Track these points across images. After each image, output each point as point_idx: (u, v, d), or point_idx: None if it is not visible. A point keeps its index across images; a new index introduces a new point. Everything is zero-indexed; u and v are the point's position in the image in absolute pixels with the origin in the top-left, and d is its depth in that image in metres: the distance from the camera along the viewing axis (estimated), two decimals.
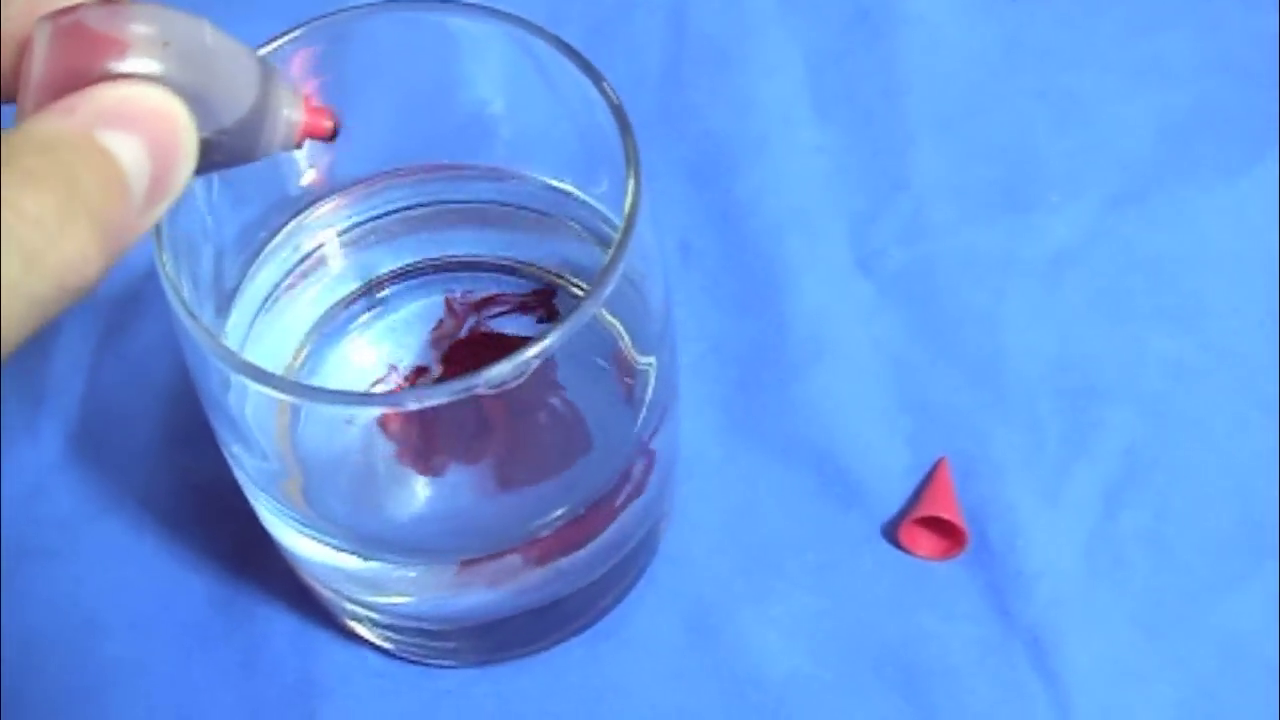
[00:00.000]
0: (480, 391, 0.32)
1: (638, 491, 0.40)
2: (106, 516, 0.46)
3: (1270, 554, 0.44)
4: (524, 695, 0.42)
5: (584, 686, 0.42)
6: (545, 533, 0.38)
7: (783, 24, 0.52)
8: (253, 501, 0.39)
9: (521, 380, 0.32)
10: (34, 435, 0.47)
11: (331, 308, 0.42)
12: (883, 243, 0.49)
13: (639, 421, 0.38)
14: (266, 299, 0.41)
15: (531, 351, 0.32)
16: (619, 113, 0.35)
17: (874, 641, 0.43)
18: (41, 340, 0.49)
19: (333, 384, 0.41)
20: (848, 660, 0.43)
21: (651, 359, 0.38)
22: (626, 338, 0.39)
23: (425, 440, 0.38)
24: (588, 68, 0.36)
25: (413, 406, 0.32)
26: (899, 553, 0.44)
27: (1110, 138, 0.50)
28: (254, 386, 0.32)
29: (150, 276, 0.48)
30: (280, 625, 0.44)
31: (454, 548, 0.39)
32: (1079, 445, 0.45)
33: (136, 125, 0.25)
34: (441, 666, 0.43)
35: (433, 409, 0.32)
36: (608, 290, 0.33)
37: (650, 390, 0.39)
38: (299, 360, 0.41)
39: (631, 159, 0.35)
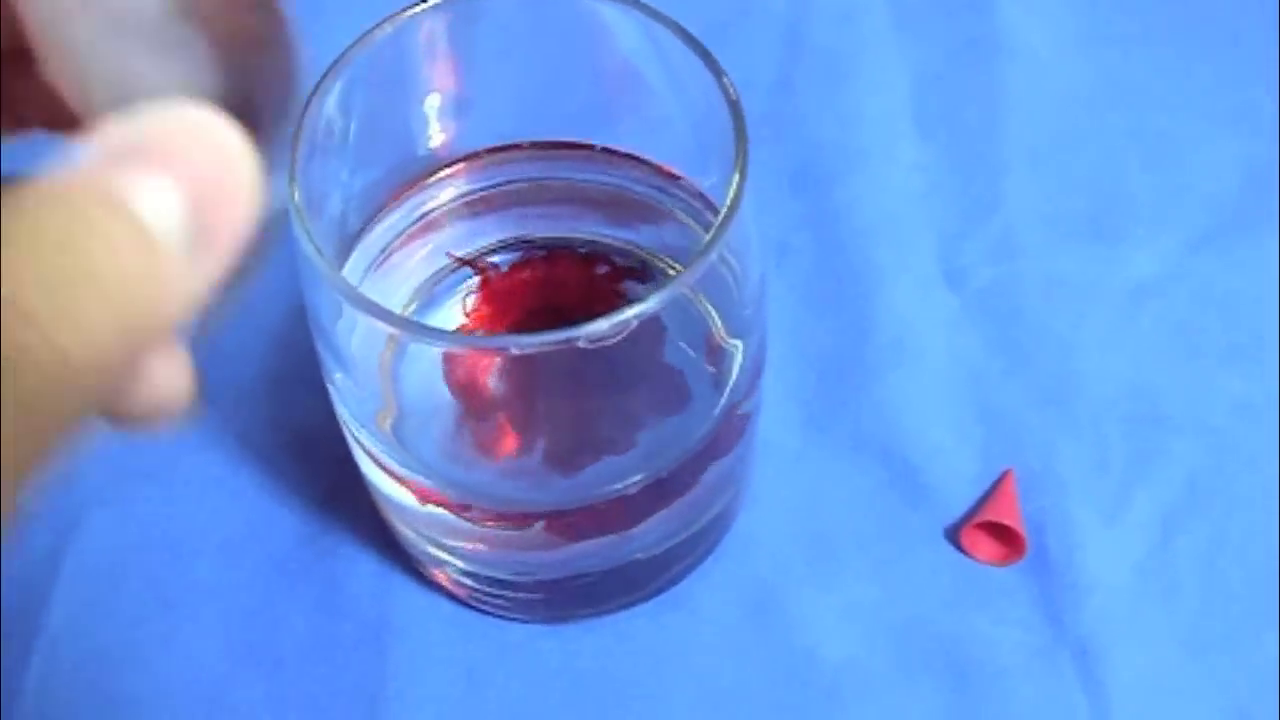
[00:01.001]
0: (580, 344, 0.32)
1: (715, 465, 0.40)
2: (206, 449, 0.46)
3: None
4: (587, 654, 0.43)
5: (646, 652, 0.43)
6: (625, 493, 0.38)
7: (894, 44, 0.53)
8: (349, 436, 0.40)
9: (618, 339, 0.33)
10: None
11: (438, 270, 0.43)
12: (971, 260, 0.49)
13: (723, 398, 0.39)
14: (381, 252, 0.42)
15: (631, 312, 0.33)
16: (735, 107, 0.36)
17: (926, 636, 0.43)
18: None
19: None
20: (900, 651, 0.43)
21: (739, 343, 0.39)
22: (718, 321, 0.39)
23: (518, 391, 0.39)
24: (710, 61, 0.36)
25: (513, 350, 0.33)
26: (959, 555, 0.44)
27: (1196, 180, 0.50)
28: (364, 318, 0.33)
29: (272, 223, 0.49)
30: (361, 565, 0.44)
31: (535, 503, 0.39)
32: (1142, 470, 0.45)
33: (169, 162, 0.20)
34: (512, 619, 0.43)
35: (528, 358, 0.33)
36: (707, 262, 0.33)
37: (735, 371, 0.39)
38: (406, 312, 0.42)
39: (741, 148, 0.35)
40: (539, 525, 0.39)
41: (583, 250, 0.43)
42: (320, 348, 0.38)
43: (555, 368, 0.34)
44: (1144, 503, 0.45)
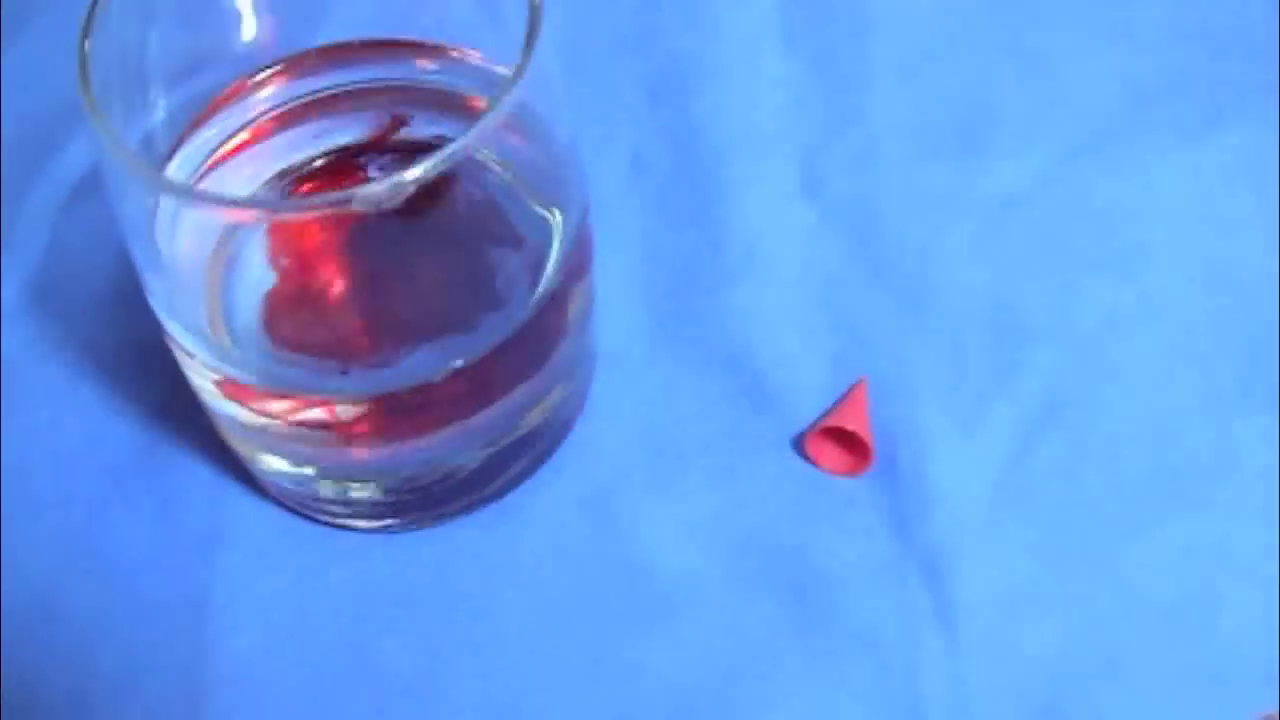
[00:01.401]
0: (355, 208, 0.31)
1: (537, 358, 0.38)
2: (49, 361, 0.45)
3: (1179, 506, 0.42)
4: (418, 563, 0.41)
5: (479, 560, 0.41)
6: (438, 382, 0.37)
7: None
8: (174, 346, 0.38)
9: (398, 201, 0.31)
10: None
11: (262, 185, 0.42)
12: (829, 171, 0.47)
13: (541, 283, 0.37)
14: (192, 174, 0.40)
15: (411, 174, 0.31)
16: None
17: (768, 547, 0.41)
18: (15, 183, 0.49)
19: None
20: (740, 563, 0.41)
21: (556, 215, 0.37)
22: (528, 191, 0.38)
23: (329, 273, 0.38)
24: None
25: (289, 216, 0.32)
26: (805, 464, 0.42)
27: (1072, 94, 0.49)
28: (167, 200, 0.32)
29: None
30: (196, 476, 0.43)
31: (346, 393, 0.38)
32: (1001, 381, 0.43)
33: None
34: (343, 527, 0.42)
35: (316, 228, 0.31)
36: (499, 113, 0.32)
37: (553, 251, 0.37)
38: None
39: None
40: (357, 420, 0.38)
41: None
42: (135, 253, 0.36)
43: (355, 242, 0.33)
44: (1002, 414, 0.43)
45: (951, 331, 0.44)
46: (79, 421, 0.44)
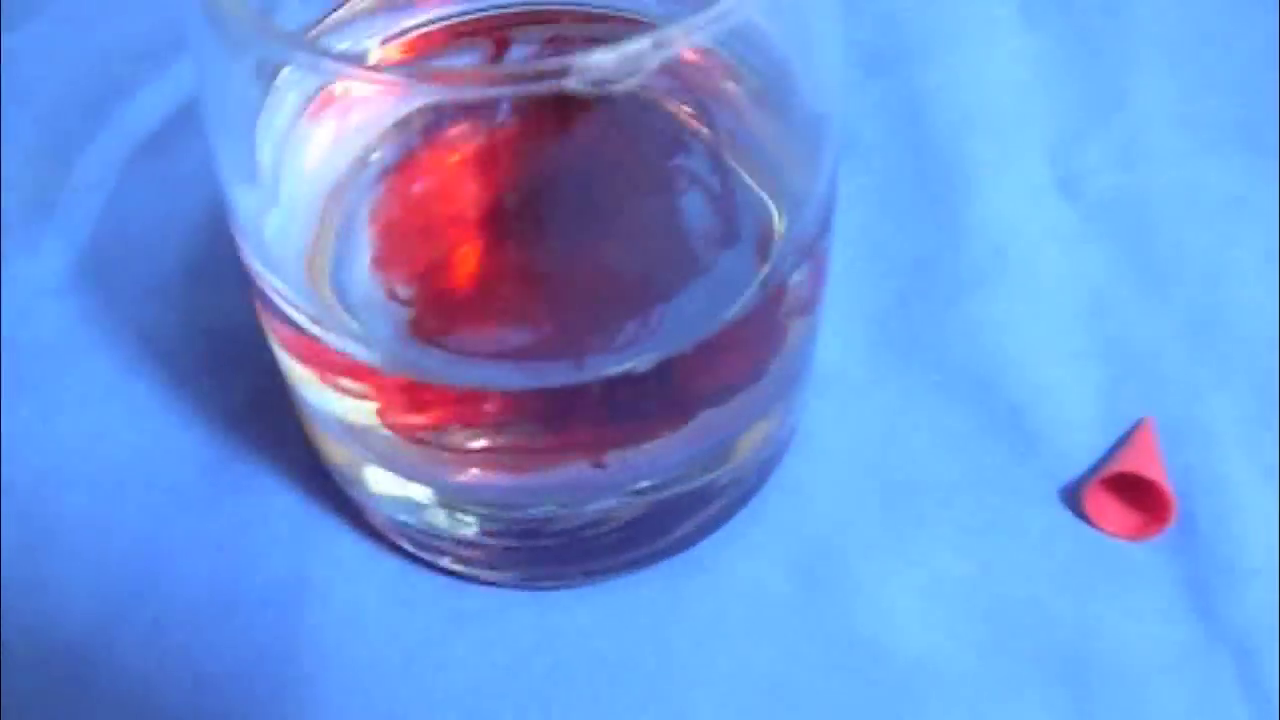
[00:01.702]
0: (570, 86, 0.21)
1: (745, 367, 0.29)
2: (99, 351, 0.36)
3: None
4: (575, 630, 0.31)
5: (651, 632, 0.31)
6: (623, 378, 0.27)
7: None
8: (265, 306, 0.29)
9: (627, 86, 0.22)
10: (37, 249, 0.38)
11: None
12: (1090, 165, 0.39)
13: (766, 267, 0.28)
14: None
15: (646, 42, 0.22)
16: None
17: (1034, 625, 0.32)
18: (67, 146, 0.40)
19: None
20: (999, 645, 0.31)
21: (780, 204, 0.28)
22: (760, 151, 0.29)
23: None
24: None
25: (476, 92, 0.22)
26: (1080, 523, 0.33)
27: None
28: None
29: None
30: (278, 501, 0.33)
31: (505, 385, 0.28)
32: None
33: None
34: (472, 580, 0.32)
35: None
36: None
37: (779, 244, 0.28)
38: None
39: None
40: (499, 426, 0.28)
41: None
42: (222, 153, 0.27)
43: (527, 191, 0.23)
44: None
45: (1248, 359, 0.35)
46: (134, 428, 0.35)
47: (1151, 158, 0.39)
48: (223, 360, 0.35)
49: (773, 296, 0.28)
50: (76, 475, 0.34)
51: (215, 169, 0.28)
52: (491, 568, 0.32)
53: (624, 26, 0.32)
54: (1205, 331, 0.36)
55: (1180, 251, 0.37)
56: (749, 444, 0.31)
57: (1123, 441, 0.34)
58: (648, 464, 0.29)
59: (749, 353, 0.30)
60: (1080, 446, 0.34)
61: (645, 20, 0.32)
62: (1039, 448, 0.34)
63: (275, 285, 0.28)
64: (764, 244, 0.29)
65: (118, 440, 0.34)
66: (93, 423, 0.35)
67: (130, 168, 0.39)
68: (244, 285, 0.30)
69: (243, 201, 0.28)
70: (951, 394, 0.35)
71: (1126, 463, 0.32)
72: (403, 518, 0.31)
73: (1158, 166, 0.39)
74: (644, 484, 0.30)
